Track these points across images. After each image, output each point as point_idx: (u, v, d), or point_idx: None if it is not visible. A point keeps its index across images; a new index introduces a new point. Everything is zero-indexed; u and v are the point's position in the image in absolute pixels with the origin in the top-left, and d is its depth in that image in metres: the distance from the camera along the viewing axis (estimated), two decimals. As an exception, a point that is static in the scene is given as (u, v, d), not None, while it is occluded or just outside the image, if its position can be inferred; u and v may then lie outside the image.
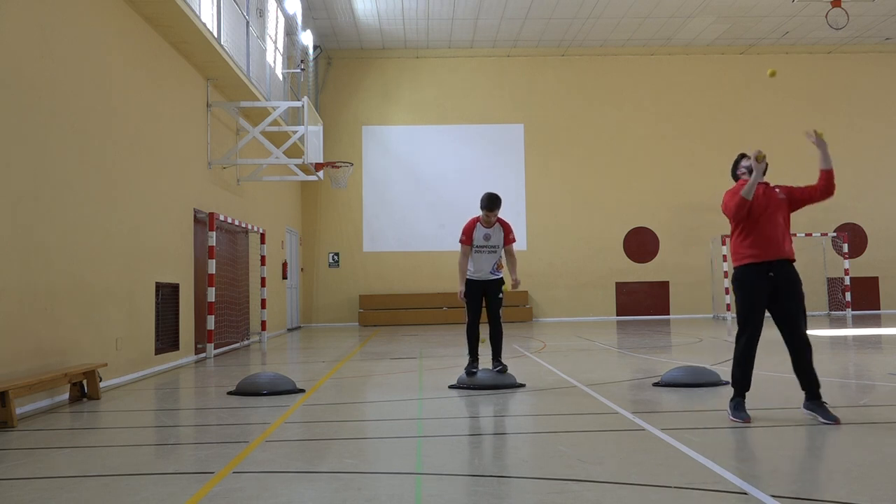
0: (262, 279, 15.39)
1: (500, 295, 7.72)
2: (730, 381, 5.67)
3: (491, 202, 7.58)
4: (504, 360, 7.79)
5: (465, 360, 7.76)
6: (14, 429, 5.87)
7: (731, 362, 5.75)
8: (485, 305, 7.78)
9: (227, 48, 12.37)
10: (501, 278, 7.77)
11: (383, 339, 15.65)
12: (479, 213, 7.67)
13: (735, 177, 5.91)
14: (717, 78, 23.09)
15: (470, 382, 7.53)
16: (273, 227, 17.56)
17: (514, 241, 7.76)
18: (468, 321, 7.74)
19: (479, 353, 7.70)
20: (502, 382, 7.52)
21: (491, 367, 7.69)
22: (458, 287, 7.72)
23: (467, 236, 7.64)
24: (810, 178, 5.70)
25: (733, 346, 5.67)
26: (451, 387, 7.61)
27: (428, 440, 5.17)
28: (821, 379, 5.49)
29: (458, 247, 7.71)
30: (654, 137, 22.82)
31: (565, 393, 7.22)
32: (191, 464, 4.65)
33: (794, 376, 5.52)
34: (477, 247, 7.65)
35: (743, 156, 5.84)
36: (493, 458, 4.75)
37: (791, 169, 23.02)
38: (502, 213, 7.83)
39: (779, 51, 22.98)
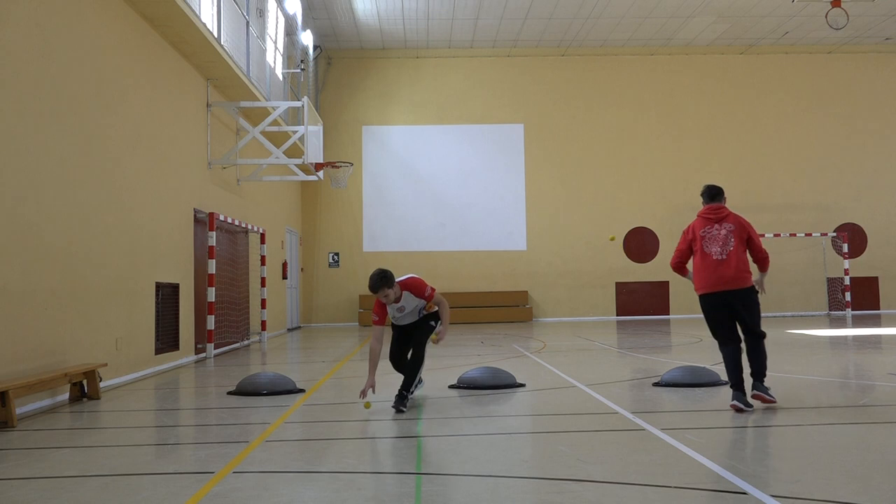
0: (262, 279, 15.40)
1: (432, 322, 6.64)
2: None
3: (371, 285, 6.28)
4: (412, 395, 6.65)
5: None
6: (14, 429, 5.87)
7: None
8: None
9: (227, 48, 12.37)
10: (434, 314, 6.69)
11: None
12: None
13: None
14: (717, 78, 23.08)
15: (470, 382, 7.54)
16: (273, 227, 17.56)
17: (432, 296, 6.50)
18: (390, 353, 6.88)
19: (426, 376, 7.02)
20: (502, 382, 7.52)
21: (392, 403, 6.37)
22: (367, 380, 6.37)
23: (380, 316, 6.42)
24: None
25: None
26: (451, 387, 7.61)
27: (428, 440, 5.18)
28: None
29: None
30: (654, 137, 22.81)
31: (565, 393, 7.22)
32: (191, 464, 4.66)
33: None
34: (396, 317, 6.68)
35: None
36: (493, 458, 4.75)
37: (790, 168, 23.09)
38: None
39: (779, 51, 22.98)
